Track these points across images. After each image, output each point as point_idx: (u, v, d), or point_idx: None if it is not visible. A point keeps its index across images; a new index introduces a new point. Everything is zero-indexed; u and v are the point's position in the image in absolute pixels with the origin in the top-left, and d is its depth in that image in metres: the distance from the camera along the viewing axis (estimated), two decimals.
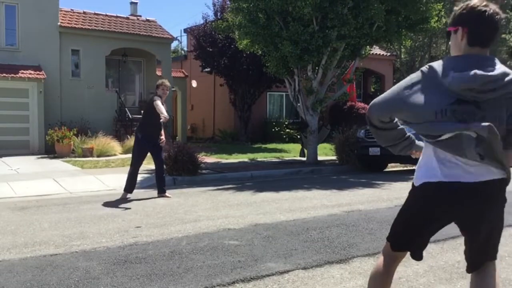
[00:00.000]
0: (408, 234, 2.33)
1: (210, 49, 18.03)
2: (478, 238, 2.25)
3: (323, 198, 7.01)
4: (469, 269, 2.31)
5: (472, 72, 1.93)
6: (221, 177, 9.78)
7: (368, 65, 20.26)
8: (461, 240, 4.48)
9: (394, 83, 28.45)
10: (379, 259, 2.43)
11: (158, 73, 19.13)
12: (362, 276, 3.51)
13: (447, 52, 24.48)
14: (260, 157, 13.83)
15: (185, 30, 25.32)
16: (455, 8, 2.18)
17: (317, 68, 12.04)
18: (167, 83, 7.50)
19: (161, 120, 7.01)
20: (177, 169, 9.27)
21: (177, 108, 20.76)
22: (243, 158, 13.50)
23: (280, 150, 16.02)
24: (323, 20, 10.92)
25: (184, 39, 43.29)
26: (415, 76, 2.12)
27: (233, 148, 15.98)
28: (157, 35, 18.28)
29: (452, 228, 4.74)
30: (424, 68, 2.10)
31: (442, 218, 2.31)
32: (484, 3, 2.07)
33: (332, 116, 19.78)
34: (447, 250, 4.17)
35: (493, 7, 2.08)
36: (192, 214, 5.90)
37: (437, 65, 2.06)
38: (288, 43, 10.88)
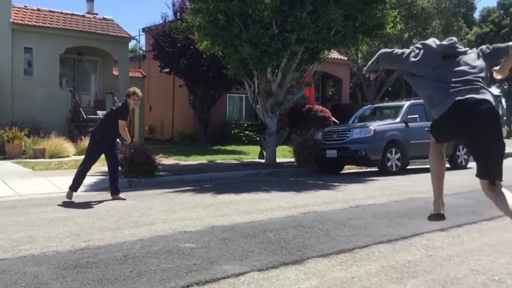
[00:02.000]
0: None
1: (169, 50, 17.84)
2: None
3: (280, 200, 7.05)
4: None
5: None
6: (179, 179, 9.67)
7: (327, 69, 20.60)
8: (412, 240, 4.62)
9: (351, 87, 29.18)
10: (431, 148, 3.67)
11: (115, 72, 18.76)
12: (316, 277, 3.54)
13: None
14: (219, 159, 13.78)
15: (144, 30, 25.00)
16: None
17: (276, 71, 12.12)
18: (139, 93, 7.33)
19: (125, 143, 7.18)
20: (133, 171, 9.10)
21: (135, 108, 20.37)
22: (202, 160, 13.42)
23: (239, 152, 16.02)
24: (282, 24, 11.01)
25: (143, 38, 42.63)
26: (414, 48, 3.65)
27: (192, 150, 15.85)
28: (114, 34, 17.92)
29: (405, 229, 4.87)
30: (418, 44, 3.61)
31: None
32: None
33: (291, 119, 19.97)
34: (399, 250, 4.26)
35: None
36: (147, 217, 5.80)
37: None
38: (248, 45, 10.90)
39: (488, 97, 3.27)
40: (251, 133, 19.96)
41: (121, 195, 7.27)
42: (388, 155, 10.90)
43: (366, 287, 3.34)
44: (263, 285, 3.38)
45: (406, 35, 23.65)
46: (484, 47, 3.62)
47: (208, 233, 4.86)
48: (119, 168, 7.78)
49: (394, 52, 3.78)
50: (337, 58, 24.04)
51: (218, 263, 3.84)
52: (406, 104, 12.01)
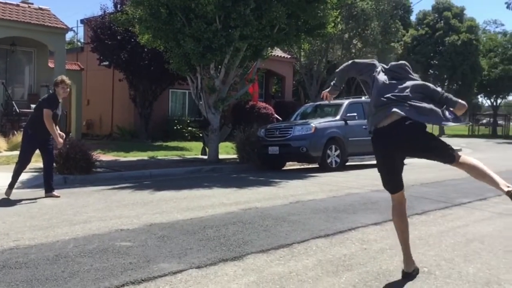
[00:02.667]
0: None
1: (109, 42, 17.28)
2: None
3: (222, 197, 7.02)
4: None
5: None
6: (118, 176, 9.40)
7: (270, 66, 20.78)
8: (348, 234, 4.74)
9: (294, 85, 29.50)
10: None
11: (51, 65, 17.96)
12: (255, 272, 3.55)
13: (342, 57, 25.87)
14: (161, 155, 13.54)
15: (82, 21, 24.06)
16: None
17: (219, 67, 12.05)
18: (67, 81, 7.01)
19: (59, 147, 6.92)
20: (68, 167, 8.74)
21: (72, 102, 19.62)
22: (143, 156, 13.13)
23: (181, 148, 15.82)
24: (226, 19, 10.95)
25: (81, 30, 41.08)
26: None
27: (132, 146, 15.47)
28: (50, 24, 17.11)
29: (342, 223, 4.99)
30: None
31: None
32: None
33: (234, 115, 19.96)
34: (335, 244, 4.37)
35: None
36: (82, 215, 5.58)
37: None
38: (190, 40, 10.76)
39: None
40: (194, 129, 19.76)
41: (55, 192, 6.96)
42: (328, 152, 11.15)
43: (303, 281, 3.39)
44: (201, 282, 3.35)
45: (346, 35, 24.26)
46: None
47: (146, 231, 4.75)
48: (54, 164, 7.46)
49: (358, 62, 3.78)
50: (281, 56, 24.29)
51: (155, 261, 3.77)
52: (345, 102, 12.33)
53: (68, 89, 7.07)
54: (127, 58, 17.36)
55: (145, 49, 16.10)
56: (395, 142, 3.33)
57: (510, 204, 6.55)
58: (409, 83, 3.38)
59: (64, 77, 7.04)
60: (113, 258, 3.86)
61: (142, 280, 3.35)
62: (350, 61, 3.79)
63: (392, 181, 3.52)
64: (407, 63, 3.61)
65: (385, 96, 3.30)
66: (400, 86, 3.35)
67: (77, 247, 4.15)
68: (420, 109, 3.22)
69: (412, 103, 3.23)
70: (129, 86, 18.91)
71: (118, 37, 17.18)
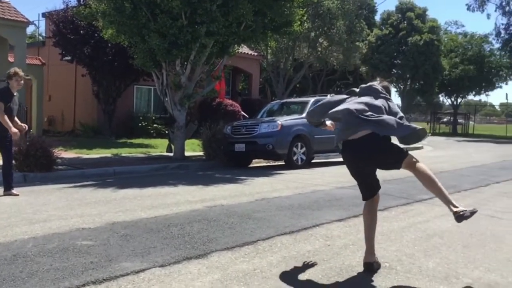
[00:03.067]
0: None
1: (71, 37, 16.85)
2: None
3: (187, 194, 6.96)
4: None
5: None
6: (80, 174, 9.19)
7: (237, 63, 20.72)
8: (313, 231, 4.78)
9: (261, 83, 29.64)
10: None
11: (10, 59, 17.36)
12: (219, 270, 3.54)
13: (309, 55, 26.09)
14: (125, 152, 13.32)
15: (44, 15, 23.37)
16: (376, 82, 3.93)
17: (185, 63, 11.94)
18: (21, 72, 6.78)
19: (14, 138, 6.63)
20: (28, 164, 8.48)
21: (32, 98, 19.05)
22: (106, 153, 12.88)
23: (146, 146, 15.62)
24: (192, 15, 10.85)
25: (43, 24, 39.91)
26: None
27: (96, 143, 15.16)
28: (10, 17, 16.53)
29: (306, 220, 5.03)
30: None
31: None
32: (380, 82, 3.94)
33: (201, 112, 19.85)
34: (300, 241, 4.40)
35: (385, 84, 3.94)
36: (42, 213, 5.43)
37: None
38: (155, 36, 10.61)
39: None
40: (159, 126, 19.53)
41: (14, 190, 6.75)
42: (294, 149, 11.23)
43: (267, 278, 3.40)
44: (164, 281, 3.31)
45: (312, 34, 24.50)
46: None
47: (108, 230, 4.66)
48: (13, 161, 7.22)
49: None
50: (247, 53, 24.29)
51: (118, 260, 3.70)
52: (311, 100, 12.44)
53: (22, 81, 6.85)
54: (90, 53, 16.98)
55: (109, 44, 15.79)
56: (361, 154, 3.61)
57: (468, 200, 6.77)
58: (377, 103, 3.64)
59: (17, 69, 6.81)
60: (73, 257, 3.77)
61: (104, 279, 3.29)
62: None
63: (367, 188, 3.75)
64: (375, 85, 3.83)
65: (355, 115, 3.53)
66: (367, 108, 3.58)
67: (36, 247, 4.03)
68: (384, 124, 3.48)
69: (376, 119, 3.49)
70: (92, 82, 18.51)
71: (81, 31, 16.79)
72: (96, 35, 16.01)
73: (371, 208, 3.73)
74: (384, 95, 3.78)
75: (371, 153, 3.60)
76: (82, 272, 3.42)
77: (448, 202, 3.51)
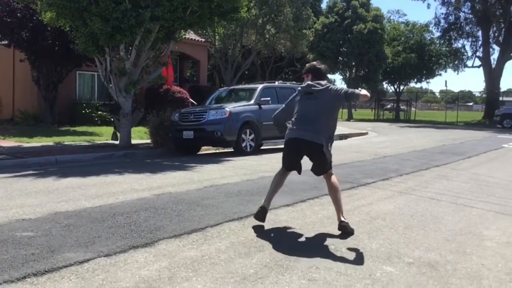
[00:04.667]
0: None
1: (8, 20, 15.93)
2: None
3: (134, 182, 6.82)
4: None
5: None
6: (20, 163, 8.78)
7: (184, 49, 20.42)
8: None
9: (209, 69, 29.40)
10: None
11: None
12: (166, 258, 3.50)
13: (256, 42, 26.08)
14: (68, 140, 12.85)
15: None
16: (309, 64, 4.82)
17: (130, 48, 11.61)
18: None
19: None
20: None
21: None
22: (48, 141, 12.37)
23: (91, 134, 15.13)
24: None
25: None
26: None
27: (36, 131, 14.52)
28: None
29: (255, 206, 5.05)
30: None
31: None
32: (319, 63, 4.79)
33: (148, 99, 19.43)
34: (248, 227, 4.43)
35: (321, 66, 4.73)
36: None
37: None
38: (98, 19, 10.23)
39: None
40: (104, 113, 18.96)
41: None
42: (243, 136, 11.24)
43: (215, 264, 3.40)
44: (110, 270, 3.23)
45: (260, 20, 24.49)
46: (340, 91, 4.44)
47: (50, 220, 4.49)
48: None
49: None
50: (195, 40, 23.96)
51: (60, 251, 3.58)
52: (259, 87, 12.47)
53: None
54: (29, 37, 16.15)
55: (49, 28, 15.08)
56: (300, 150, 4.45)
57: (409, 183, 7.06)
58: (321, 103, 4.40)
59: None
60: (13, 249, 3.61)
61: (46, 271, 3.17)
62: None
63: (290, 165, 4.64)
64: (311, 83, 4.53)
65: (304, 119, 4.41)
66: (316, 108, 4.40)
67: None
68: (321, 134, 4.35)
69: (318, 128, 4.35)
70: (31, 67, 17.64)
71: (18, 14, 15.91)
72: (34, 18, 15.24)
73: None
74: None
75: None
76: (22, 264, 3.29)
77: (339, 211, 4.36)
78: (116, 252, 3.59)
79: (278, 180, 4.64)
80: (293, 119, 4.52)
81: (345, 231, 4.21)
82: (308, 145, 4.35)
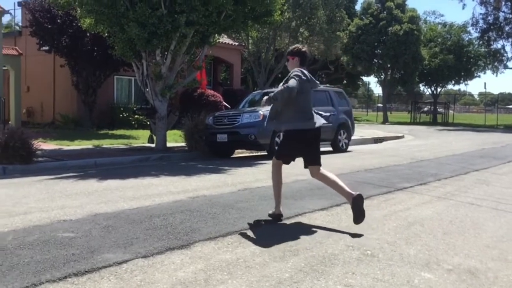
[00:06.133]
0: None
1: (49, 26, 16.51)
2: None
3: (169, 185, 6.93)
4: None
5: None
6: (61, 165, 9.06)
7: (218, 53, 20.61)
8: (295, 220, 4.80)
9: (243, 73, 29.62)
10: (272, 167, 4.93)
11: None
12: (202, 260, 3.54)
13: (290, 45, 26.02)
14: (106, 143, 13.17)
15: (20, 4, 22.80)
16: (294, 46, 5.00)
17: (166, 53, 11.82)
18: None
19: None
20: (7, 156, 8.34)
21: (10, 89, 18.67)
22: (87, 144, 12.72)
23: (128, 137, 15.46)
24: (171, 5, 10.72)
25: (19, 13, 39.00)
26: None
27: (76, 134, 14.96)
28: None
29: (289, 209, 5.04)
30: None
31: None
32: (305, 47, 5.02)
33: (182, 103, 19.70)
34: (282, 230, 4.42)
35: (306, 49, 5.01)
36: (22, 206, 5.35)
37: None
38: (135, 25, 10.47)
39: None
40: (140, 117, 19.33)
41: None
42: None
43: (250, 267, 3.41)
44: (147, 271, 3.29)
45: (293, 23, 24.44)
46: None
47: (90, 221, 4.62)
48: None
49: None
50: (229, 43, 24.15)
51: (100, 252, 3.67)
52: None
53: None
54: (69, 43, 16.68)
55: (88, 34, 15.52)
56: (307, 140, 4.72)
57: (448, 188, 6.89)
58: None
59: None
60: (54, 249, 3.72)
61: (86, 271, 3.26)
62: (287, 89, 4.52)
63: (294, 157, 4.90)
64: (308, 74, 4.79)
65: (313, 110, 4.79)
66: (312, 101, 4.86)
67: (16, 239, 3.97)
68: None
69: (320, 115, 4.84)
70: (71, 72, 18.21)
71: (59, 20, 16.47)
72: (74, 24, 15.73)
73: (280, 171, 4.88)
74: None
75: None
76: (63, 264, 3.39)
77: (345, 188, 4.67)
78: (153, 254, 3.66)
79: (279, 179, 4.84)
80: (303, 108, 4.67)
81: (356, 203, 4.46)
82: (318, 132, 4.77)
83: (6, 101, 17.09)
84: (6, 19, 40.12)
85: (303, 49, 4.91)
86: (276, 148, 5.22)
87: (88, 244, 3.88)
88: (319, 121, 4.74)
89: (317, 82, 4.94)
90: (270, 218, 4.83)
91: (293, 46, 5.01)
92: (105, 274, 3.23)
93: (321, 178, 4.77)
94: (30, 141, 8.71)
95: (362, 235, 4.29)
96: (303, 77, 4.62)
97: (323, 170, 4.76)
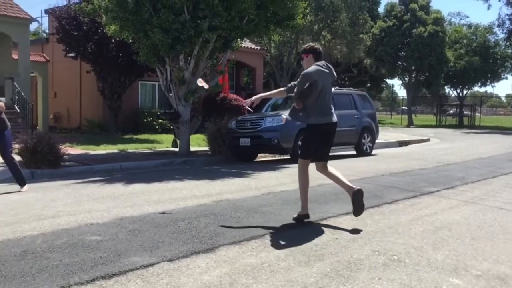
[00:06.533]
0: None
1: (75, 33, 16.87)
2: None
3: (193, 189, 6.98)
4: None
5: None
6: (87, 170, 9.23)
7: (240, 58, 20.70)
8: (319, 225, 4.77)
9: (265, 76, 29.67)
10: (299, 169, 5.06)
11: (15, 56, 17.46)
12: (227, 264, 3.55)
13: None
14: (131, 148, 13.36)
15: (47, 11, 23.39)
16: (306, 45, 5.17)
17: (189, 58, 11.92)
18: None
19: None
20: (35, 161, 8.53)
21: (38, 95, 19.11)
22: (113, 149, 12.92)
23: (152, 141, 15.65)
24: (194, 10, 10.83)
25: (46, 20, 39.95)
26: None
27: (102, 139, 15.21)
28: (13, 14, 16.60)
29: (313, 214, 5.01)
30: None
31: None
32: (318, 45, 5.14)
33: (205, 107, 19.85)
34: (307, 235, 4.40)
35: (319, 46, 5.15)
36: (50, 209, 5.46)
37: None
38: (158, 31, 10.60)
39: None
40: (164, 121, 19.56)
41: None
42: (299, 143, 11.20)
43: (275, 272, 3.40)
44: (173, 275, 3.32)
45: (316, 26, 24.40)
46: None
47: (116, 225, 4.69)
48: (20, 158, 7.28)
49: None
50: (251, 48, 24.24)
51: (126, 255, 3.72)
52: None
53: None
54: (94, 50, 17.00)
55: (113, 40, 15.79)
56: (329, 134, 4.96)
57: (475, 192, 6.75)
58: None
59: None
60: (82, 252, 3.79)
61: (113, 274, 3.31)
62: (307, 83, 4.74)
63: (326, 154, 5.04)
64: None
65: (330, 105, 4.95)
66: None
67: (45, 242, 4.05)
68: None
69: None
70: (97, 78, 18.56)
71: (84, 27, 16.81)
72: (99, 31, 16.03)
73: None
74: None
75: None
76: (91, 267, 3.44)
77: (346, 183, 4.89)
78: (179, 257, 3.69)
79: (306, 180, 5.00)
80: (324, 102, 4.84)
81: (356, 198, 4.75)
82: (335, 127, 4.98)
83: (34, 107, 17.50)
84: (33, 26, 41.12)
85: (316, 46, 5.06)
86: (301, 148, 5.28)
87: (115, 247, 3.94)
88: (335, 117, 4.97)
89: (334, 73, 5.02)
90: (294, 222, 4.82)
91: (306, 45, 5.17)
92: (132, 277, 3.27)
93: (326, 174, 4.99)
94: (58, 146, 8.89)
95: (388, 240, 4.24)
96: (322, 69, 4.80)
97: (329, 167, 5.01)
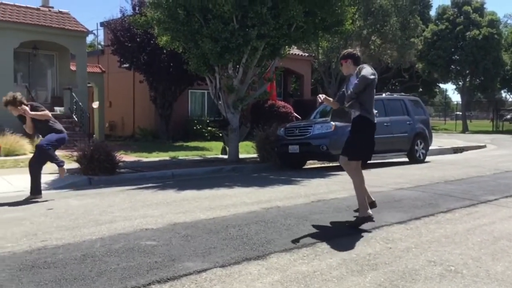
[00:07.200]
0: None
1: (129, 44, 17.48)
2: None
3: (243, 196, 7.04)
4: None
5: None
6: (141, 176, 9.51)
7: (288, 65, 20.72)
8: (372, 233, 4.70)
9: (313, 83, 29.55)
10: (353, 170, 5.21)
11: (72, 67, 18.28)
12: (278, 271, 3.56)
13: (362, 54, 25.58)
14: (182, 155, 13.65)
15: (102, 24, 24.40)
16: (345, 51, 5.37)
17: (237, 66, 12.07)
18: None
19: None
20: (93, 168, 8.88)
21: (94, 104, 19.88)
22: (164, 156, 13.25)
23: (202, 148, 15.92)
24: (243, 19, 10.97)
25: (101, 33, 41.61)
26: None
27: (154, 147, 15.63)
28: (70, 28, 17.42)
29: (367, 225, 4.93)
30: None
31: None
32: (356, 51, 5.36)
33: (254, 115, 19.99)
34: (360, 243, 4.33)
35: (357, 51, 5.34)
36: (107, 215, 5.67)
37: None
38: (208, 41, 10.81)
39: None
40: (213, 129, 19.86)
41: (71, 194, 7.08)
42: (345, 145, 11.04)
43: (327, 280, 3.38)
44: (226, 281, 3.37)
45: (365, 31, 24.07)
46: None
47: (170, 230, 4.80)
48: (79, 165, 7.59)
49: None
50: (298, 54, 24.22)
51: (180, 260, 3.80)
52: None
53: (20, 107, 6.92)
54: (147, 60, 17.54)
55: (164, 51, 16.23)
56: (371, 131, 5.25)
57: None
58: None
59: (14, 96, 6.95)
60: (138, 257, 3.91)
61: (168, 279, 3.39)
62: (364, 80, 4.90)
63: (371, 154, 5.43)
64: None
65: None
66: None
67: (103, 247, 4.21)
68: None
69: None
70: (149, 88, 19.12)
71: (138, 39, 17.38)
72: (152, 42, 16.52)
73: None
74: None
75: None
76: (147, 272, 3.55)
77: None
78: (231, 263, 3.73)
79: (363, 178, 5.22)
80: (371, 102, 5.15)
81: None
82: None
83: (91, 116, 18.25)
84: (89, 39, 42.90)
85: (353, 51, 5.29)
86: (350, 149, 5.34)
87: (169, 252, 4.03)
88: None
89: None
90: (345, 230, 4.76)
91: (344, 51, 5.44)
92: (186, 282, 3.34)
93: (347, 169, 5.32)
94: (113, 154, 9.22)
95: (445, 250, 4.11)
96: (372, 70, 5.00)
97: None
